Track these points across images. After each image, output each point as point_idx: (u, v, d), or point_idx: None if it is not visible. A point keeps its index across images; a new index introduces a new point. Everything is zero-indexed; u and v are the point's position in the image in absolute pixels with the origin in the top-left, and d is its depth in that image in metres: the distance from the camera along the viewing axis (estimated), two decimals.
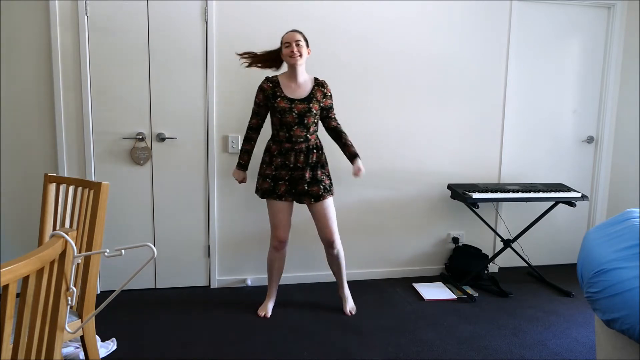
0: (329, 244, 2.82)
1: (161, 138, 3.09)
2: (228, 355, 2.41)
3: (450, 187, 3.40)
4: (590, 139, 3.83)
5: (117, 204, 3.09)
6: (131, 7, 2.96)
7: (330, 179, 2.81)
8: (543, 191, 3.29)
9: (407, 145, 3.46)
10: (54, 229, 2.01)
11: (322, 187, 2.73)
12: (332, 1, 3.21)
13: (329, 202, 2.77)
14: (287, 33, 2.70)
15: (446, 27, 3.42)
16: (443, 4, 3.39)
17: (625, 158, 3.76)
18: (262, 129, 2.87)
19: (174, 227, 3.20)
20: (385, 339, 2.61)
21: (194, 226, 3.23)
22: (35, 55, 2.91)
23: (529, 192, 3.26)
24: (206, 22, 3.06)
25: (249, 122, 2.81)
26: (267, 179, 2.72)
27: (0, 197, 2.98)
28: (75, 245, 1.44)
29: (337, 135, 2.86)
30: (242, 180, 2.85)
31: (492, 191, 3.24)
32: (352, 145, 2.83)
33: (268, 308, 2.89)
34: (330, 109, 2.82)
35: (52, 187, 2.03)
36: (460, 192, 3.22)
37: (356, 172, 2.76)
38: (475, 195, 3.16)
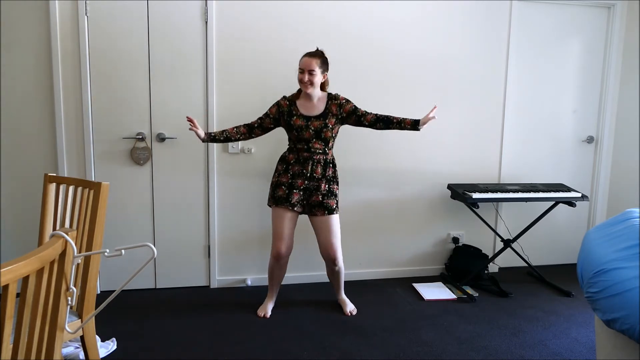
0: (331, 261, 2.80)
1: (161, 138, 3.09)
2: (228, 355, 2.41)
3: (450, 187, 3.40)
4: (590, 139, 3.83)
5: (117, 204, 3.09)
6: (131, 7, 2.96)
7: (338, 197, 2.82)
8: (543, 191, 3.29)
9: (407, 145, 3.46)
10: (54, 229, 2.01)
11: (336, 201, 2.75)
12: (332, 1, 3.21)
13: (337, 218, 2.78)
14: (303, 57, 2.67)
15: (446, 27, 3.42)
16: (443, 4, 3.38)
17: (625, 158, 3.76)
18: (262, 137, 2.85)
19: (174, 227, 3.20)
20: (385, 339, 2.61)
21: (194, 226, 3.23)
22: (35, 55, 2.91)
23: (529, 192, 3.26)
24: (206, 22, 3.06)
25: (251, 121, 2.82)
26: (283, 187, 2.72)
27: (0, 197, 2.98)
28: (75, 245, 1.44)
29: (386, 121, 2.75)
30: (194, 127, 2.65)
31: (492, 191, 3.24)
32: (404, 118, 2.75)
33: (267, 308, 2.89)
34: (355, 110, 2.76)
35: (52, 187, 2.03)
36: (460, 192, 3.22)
37: (431, 117, 2.68)
38: (475, 195, 3.15)
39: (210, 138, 2.76)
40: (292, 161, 2.73)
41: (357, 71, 3.31)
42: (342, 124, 2.81)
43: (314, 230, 2.82)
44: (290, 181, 2.71)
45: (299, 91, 2.77)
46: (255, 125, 2.78)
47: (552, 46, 3.66)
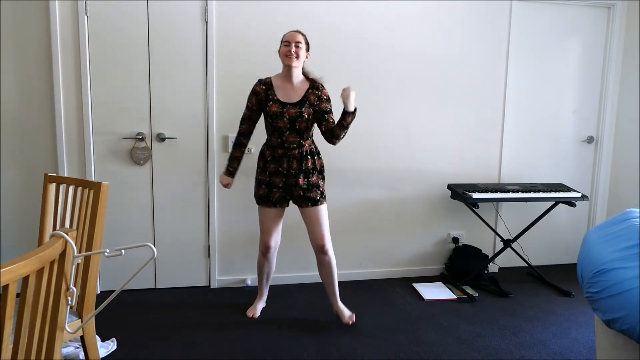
0: (320, 249, 2.71)
1: (161, 138, 3.09)
2: (228, 355, 2.41)
3: (450, 187, 3.40)
4: (590, 139, 3.83)
5: (117, 204, 3.09)
6: (131, 7, 2.96)
7: (324, 185, 2.73)
8: (543, 191, 3.29)
9: (407, 145, 3.46)
10: (54, 229, 2.01)
11: (319, 192, 2.67)
12: (332, 1, 3.21)
13: (323, 208, 2.70)
14: (289, 32, 2.63)
15: (446, 27, 3.42)
16: (443, 4, 3.38)
17: (625, 158, 3.76)
18: (256, 133, 2.80)
19: (174, 227, 3.20)
20: (385, 339, 2.61)
21: (194, 226, 3.23)
22: (35, 56, 2.91)
23: (529, 192, 3.26)
24: (206, 22, 3.06)
25: (240, 127, 2.71)
26: (262, 185, 2.68)
27: (0, 197, 2.98)
28: (75, 245, 1.44)
29: (331, 131, 2.60)
30: (228, 185, 2.72)
31: (492, 191, 3.24)
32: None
33: (257, 309, 2.89)
34: (327, 113, 2.62)
35: (52, 187, 2.03)
36: (460, 192, 3.22)
37: (345, 94, 2.47)
38: (475, 195, 3.15)
39: (234, 173, 2.72)
40: (268, 158, 2.65)
41: (356, 72, 3.30)
42: None
43: (303, 221, 2.75)
44: (268, 179, 2.65)
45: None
46: (250, 129, 2.72)
47: (552, 46, 3.66)
